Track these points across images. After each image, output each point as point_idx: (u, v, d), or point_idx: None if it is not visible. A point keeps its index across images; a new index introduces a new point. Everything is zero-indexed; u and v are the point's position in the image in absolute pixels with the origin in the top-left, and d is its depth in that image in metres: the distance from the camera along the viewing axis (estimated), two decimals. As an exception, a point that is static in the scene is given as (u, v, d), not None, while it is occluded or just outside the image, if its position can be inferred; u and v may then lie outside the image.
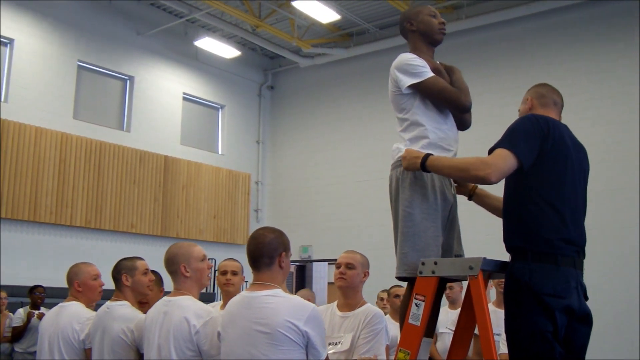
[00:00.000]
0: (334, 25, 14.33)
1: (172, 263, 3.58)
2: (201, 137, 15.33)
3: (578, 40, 12.14)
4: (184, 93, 14.83)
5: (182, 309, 3.40)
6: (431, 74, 3.42)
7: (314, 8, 12.53)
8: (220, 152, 15.61)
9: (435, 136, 3.40)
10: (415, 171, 3.30)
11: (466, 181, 3.44)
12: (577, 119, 11.21)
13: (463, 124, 3.66)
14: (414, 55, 3.50)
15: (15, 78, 11.75)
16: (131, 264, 4.09)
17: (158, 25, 13.86)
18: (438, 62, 3.65)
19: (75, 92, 12.69)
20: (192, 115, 15.21)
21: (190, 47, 14.63)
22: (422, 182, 3.33)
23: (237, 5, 13.23)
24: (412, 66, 3.43)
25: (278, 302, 3.04)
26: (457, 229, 3.56)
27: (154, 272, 4.34)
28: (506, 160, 2.96)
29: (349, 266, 4.07)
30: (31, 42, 12.08)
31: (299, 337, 2.96)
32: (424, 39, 3.60)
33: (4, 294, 9.16)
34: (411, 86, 3.41)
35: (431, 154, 3.22)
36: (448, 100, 3.44)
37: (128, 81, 13.82)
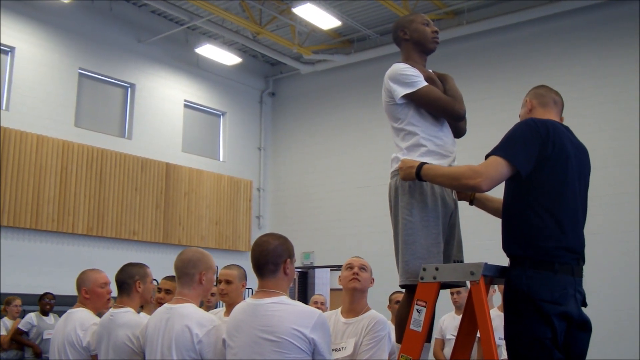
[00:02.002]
0: (335, 32, 14.35)
1: (192, 266, 3.53)
2: (202, 144, 15.34)
3: (579, 44, 12.14)
4: (185, 100, 14.85)
5: (184, 317, 3.36)
6: (424, 83, 3.42)
7: (315, 14, 12.55)
8: (221, 159, 15.62)
9: (432, 144, 3.40)
10: (408, 180, 3.29)
11: (458, 190, 3.43)
12: (578, 124, 11.13)
13: (458, 131, 3.65)
14: (407, 65, 3.49)
15: (16, 86, 11.78)
16: (143, 270, 4.09)
17: (159, 33, 13.88)
18: (431, 71, 3.65)
19: (77, 99, 12.70)
20: (194, 122, 15.22)
21: (191, 54, 14.66)
22: (421, 189, 3.32)
23: (237, 12, 13.26)
24: (405, 76, 3.42)
25: (284, 310, 3.02)
26: (458, 235, 3.55)
27: None
28: (498, 168, 2.94)
29: (363, 268, 4.07)
30: (32, 50, 12.10)
31: (305, 344, 2.95)
32: (417, 48, 3.60)
33: (18, 302, 9.43)
34: (405, 96, 3.41)
35: (426, 163, 3.21)
36: (442, 109, 3.44)
37: (129, 89, 13.84)
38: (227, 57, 14.61)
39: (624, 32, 11.60)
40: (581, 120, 11.24)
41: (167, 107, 14.36)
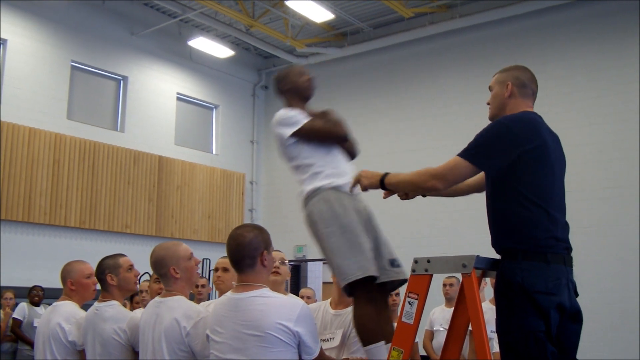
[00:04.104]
0: (328, 25, 14.33)
1: (161, 266, 3.54)
2: (195, 137, 15.32)
3: (575, 38, 12.13)
4: (178, 93, 14.81)
5: (172, 310, 3.37)
6: (306, 120, 3.80)
7: (308, 7, 12.52)
8: (214, 152, 15.60)
9: (329, 168, 3.75)
10: (372, 188, 3.41)
11: (421, 192, 3.45)
12: (574, 118, 11.21)
13: (350, 153, 4.05)
14: (288, 109, 3.90)
15: (8, 79, 11.72)
16: (114, 262, 4.03)
17: (152, 25, 13.83)
18: (310, 110, 4.00)
19: (69, 92, 12.66)
20: (186, 115, 15.19)
21: (184, 47, 14.61)
22: (329, 203, 3.60)
23: (230, 5, 13.22)
24: (288, 118, 3.82)
25: (266, 303, 3.02)
26: (382, 237, 3.76)
27: None
28: (456, 170, 3.02)
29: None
30: (24, 42, 12.04)
31: (290, 337, 2.96)
32: (296, 96, 4.01)
33: (8, 295, 9.44)
34: (293, 135, 3.78)
35: (389, 173, 3.29)
36: (326, 135, 3.82)
37: (122, 81, 13.79)
38: (220, 50, 14.57)
39: (622, 25, 11.56)
40: (577, 115, 11.25)
41: (159, 100, 14.32)
